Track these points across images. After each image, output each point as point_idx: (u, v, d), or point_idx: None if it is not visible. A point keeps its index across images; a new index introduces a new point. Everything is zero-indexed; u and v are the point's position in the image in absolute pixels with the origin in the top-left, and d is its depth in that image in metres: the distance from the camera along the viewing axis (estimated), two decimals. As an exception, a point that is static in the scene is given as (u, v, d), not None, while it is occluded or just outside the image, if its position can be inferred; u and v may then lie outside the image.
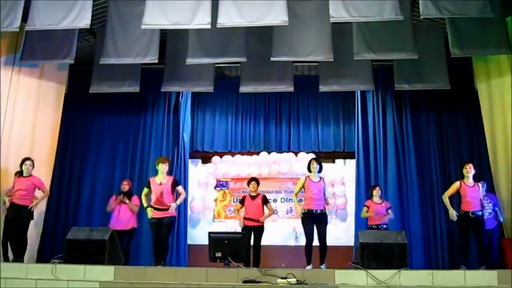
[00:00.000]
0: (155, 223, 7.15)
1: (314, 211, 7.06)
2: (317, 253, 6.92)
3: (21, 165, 7.40)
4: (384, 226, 8.15)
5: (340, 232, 9.82)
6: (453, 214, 6.92)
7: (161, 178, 7.26)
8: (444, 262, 9.10)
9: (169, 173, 7.57)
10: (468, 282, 5.45)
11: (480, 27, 7.42)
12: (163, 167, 7.27)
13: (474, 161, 9.17)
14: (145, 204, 7.28)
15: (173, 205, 7.13)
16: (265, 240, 7.92)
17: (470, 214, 6.75)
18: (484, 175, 8.76)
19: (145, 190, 7.35)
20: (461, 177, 7.06)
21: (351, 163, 10.32)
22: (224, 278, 5.64)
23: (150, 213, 7.10)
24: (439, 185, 9.50)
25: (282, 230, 10.14)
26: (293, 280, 5.39)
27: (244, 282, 5.47)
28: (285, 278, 5.42)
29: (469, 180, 6.93)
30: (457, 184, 7.04)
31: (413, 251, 8.88)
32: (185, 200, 10.00)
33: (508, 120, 7.82)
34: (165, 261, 7.15)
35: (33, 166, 7.46)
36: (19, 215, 7.17)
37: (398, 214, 9.24)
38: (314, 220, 7.08)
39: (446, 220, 9.26)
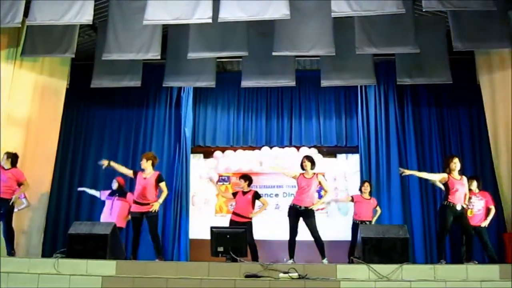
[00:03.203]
0: (136, 217, 7.14)
1: (298, 207, 7.07)
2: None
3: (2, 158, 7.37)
4: (368, 222, 8.10)
5: (342, 227, 9.80)
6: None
7: (147, 173, 7.25)
8: (446, 257, 9.07)
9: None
10: (470, 277, 5.44)
11: (483, 20, 7.39)
12: (142, 163, 7.32)
13: (475, 154, 9.26)
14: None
15: (156, 205, 7.06)
16: (267, 235, 7.93)
17: (457, 206, 6.68)
18: (485, 169, 8.80)
19: (130, 171, 7.46)
20: (447, 170, 6.97)
21: (353, 158, 10.32)
22: (226, 273, 5.64)
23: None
24: (441, 179, 9.49)
25: (283, 225, 10.10)
26: (295, 275, 5.38)
27: (246, 276, 5.47)
28: (287, 272, 5.42)
29: (455, 173, 6.87)
30: (445, 175, 6.87)
31: (415, 245, 8.90)
32: (187, 194, 10.05)
33: (510, 113, 7.80)
34: (163, 254, 7.16)
35: (12, 159, 7.32)
36: (1, 208, 7.09)
37: (400, 208, 9.25)
38: (298, 215, 7.09)
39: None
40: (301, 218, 7.10)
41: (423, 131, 9.86)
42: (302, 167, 7.29)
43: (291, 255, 7.00)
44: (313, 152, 10.20)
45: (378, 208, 8.43)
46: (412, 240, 8.85)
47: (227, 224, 8.02)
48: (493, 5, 6.75)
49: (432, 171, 9.54)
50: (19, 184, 7.29)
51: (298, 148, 10.38)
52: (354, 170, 10.21)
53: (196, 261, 6.89)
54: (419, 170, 9.50)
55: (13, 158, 7.34)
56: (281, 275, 5.42)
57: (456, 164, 6.81)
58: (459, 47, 7.49)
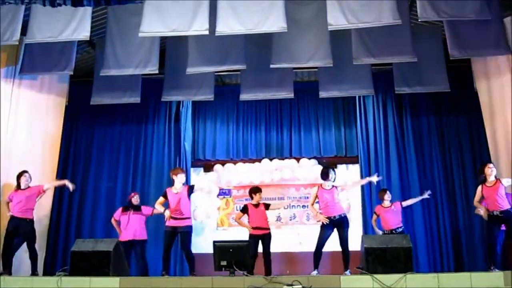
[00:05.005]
0: (169, 231, 7.30)
1: (333, 217, 7.06)
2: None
3: (18, 178, 7.45)
4: (400, 229, 8.19)
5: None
6: (482, 212, 6.88)
7: (178, 188, 7.40)
8: (449, 265, 9.07)
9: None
10: (474, 284, 5.43)
11: (479, 28, 7.43)
12: (181, 178, 7.48)
13: (476, 162, 9.25)
14: (161, 210, 7.43)
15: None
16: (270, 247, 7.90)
17: (499, 213, 6.66)
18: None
19: (161, 199, 7.53)
20: (482, 179, 6.97)
21: (353, 168, 10.32)
22: (230, 287, 5.63)
23: (168, 215, 7.24)
24: (442, 187, 9.50)
25: (285, 236, 10.10)
26: (299, 287, 5.37)
27: (250, 290, 5.46)
28: (291, 285, 5.41)
29: (490, 180, 6.88)
30: (479, 188, 6.96)
31: (418, 254, 8.87)
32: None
33: (509, 120, 7.81)
34: (194, 270, 7.25)
35: (31, 179, 7.52)
36: (19, 228, 7.22)
37: (402, 217, 9.19)
38: (333, 226, 7.08)
39: (450, 223, 9.30)
40: (335, 229, 7.12)
41: (423, 139, 9.86)
42: (326, 178, 7.26)
43: (316, 266, 6.98)
44: (313, 163, 10.21)
45: (406, 201, 8.49)
46: (415, 249, 8.80)
47: (229, 238, 8.03)
48: (488, 14, 6.80)
49: (432, 179, 9.57)
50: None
51: (298, 159, 10.38)
52: (354, 180, 10.18)
53: (200, 276, 6.85)
54: (419, 178, 9.56)
55: (31, 178, 7.55)
56: (285, 287, 5.41)
57: (491, 169, 6.87)
58: (455, 55, 7.53)
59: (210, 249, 6.55)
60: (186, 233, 7.33)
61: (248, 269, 6.30)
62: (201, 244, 10.01)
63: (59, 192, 9.73)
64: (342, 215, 7.11)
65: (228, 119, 10.75)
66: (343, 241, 7.01)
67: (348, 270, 6.82)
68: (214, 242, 6.56)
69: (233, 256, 6.21)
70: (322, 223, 7.10)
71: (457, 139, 9.73)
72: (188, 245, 7.35)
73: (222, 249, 6.36)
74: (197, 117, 10.79)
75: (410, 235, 6.51)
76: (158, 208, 7.49)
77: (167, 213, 7.24)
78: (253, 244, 7.46)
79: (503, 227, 7.02)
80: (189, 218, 7.44)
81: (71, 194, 9.98)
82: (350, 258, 6.96)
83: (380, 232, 8.30)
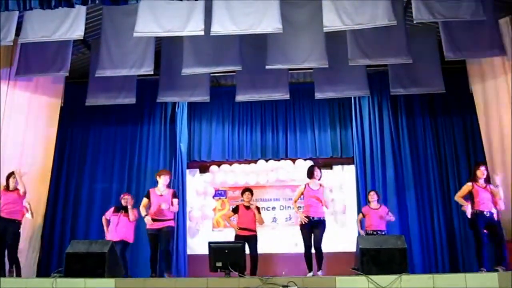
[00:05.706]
0: (153, 234, 7.26)
1: (311, 218, 7.12)
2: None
3: (7, 179, 7.39)
4: (381, 232, 8.16)
5: (340, 238, 9.79)
6: (469, 210, 6.85)
7: (162, 190, 7.35)
8: (444, 266, 9.08)
9: (168, 184, 7.60)
10: (469, 285, 5.43)
11: (473, 29, 7.45)
12: (165, 179, 7.40)
13: (471, 162, 9.27)
14: (143, 214, 7.35)
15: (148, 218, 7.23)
16: (265, 248, 7.91)
17: (484, 213, 6.69)
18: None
19: (145, 200, 7.43)
20: (473, 178, 7.01)
21: (349, 169, 10.32)
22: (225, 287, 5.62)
23: (149, 221, 7.18)
24: (437, 188, 9.51)
25: (281, 238, 10.10)
26: (294, 288, 5.37)
27: (245, 291, 5.45)
28: (286, 286, 5.39)
29: (481, 182, 6.91)
30: (469, 185, 6.96)
31: (413, 255, 8.88)
32: (184, 210, 10.00)
33: (504, 121, 7.85)
34: (171, 271, 7.19)
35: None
36: (7, 229, 7.14)
37: (397, 218, 9.22)
38: (311, 226, 7.13)
39: (446, 223, 9.30)
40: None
41: (418, 140, 9.88)
42: (311, 176, 7.32)
43: (310, 268, 7.03)
44: (309, 164, 10.19)
45: (390, 214, 8.40)
46: (410, 250, 8.81)
47: (224, 239, 8.00)
48: (482, 14, 6.80)
49: (427, 179, 9.59)
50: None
51: (293, 160, 10.38)
52: (350, 181, 10.20)
53: (195, 277, 6.84)
54: (414, 179, 9.58)
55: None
56: (281, 288, 5.40)
57: (482, 171, 6.87)
58: (450, 57, 7.55)
59: (205, 250, 6.53)
60: (167, 232, 7.27)
61: (244, 270, 6.30)
62: (197, 245, 10.00)
63: (54, 192, 9.74)
64: (322, 219, 7.20)
65: (224, 120, 10.74)
66: (317, 241, 7.08)
67: (321, 270, 6.92)
68: (210, 243, 6.53)
69: (229, 257, 6.20)
70: (301, 225, 7.19)
71: (452, 140, 9.75)
72: (168, 244, 7.25)
73: (218, 250, 6.34)
74: (192, 118, 10.78)
75: (405, 236, 6.52)
76: (142, 212, 7.42)
77: (147, 219, 7.21)
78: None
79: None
80: (171, 219, 7.42)
81: (66, 195, 10.00)
82: (324, 257, 7.07)
83: (362, 232, 8.31)
